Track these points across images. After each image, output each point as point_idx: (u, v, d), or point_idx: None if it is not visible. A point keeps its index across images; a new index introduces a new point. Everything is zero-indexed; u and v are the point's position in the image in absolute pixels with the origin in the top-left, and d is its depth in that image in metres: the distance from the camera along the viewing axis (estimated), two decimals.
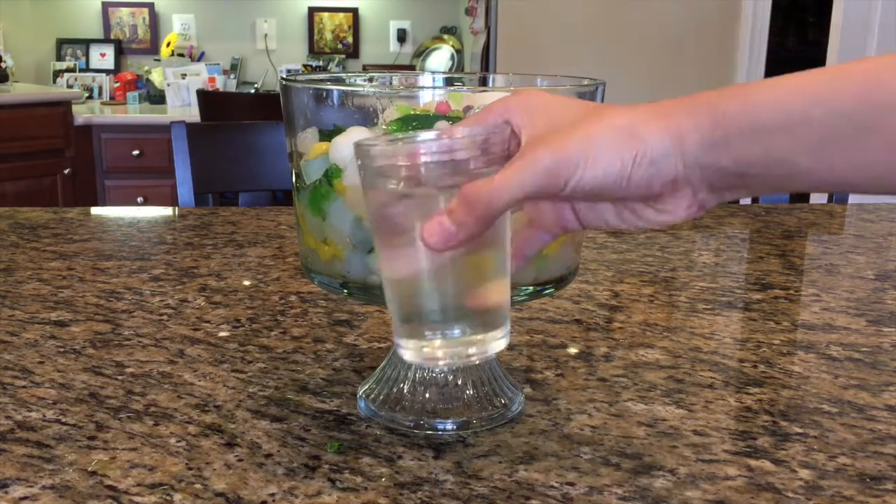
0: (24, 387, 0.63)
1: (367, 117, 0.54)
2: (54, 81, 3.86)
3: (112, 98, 3.85)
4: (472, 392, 0.59)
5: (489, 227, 0.40)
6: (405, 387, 0.60)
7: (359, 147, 0.43)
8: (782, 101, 0.38)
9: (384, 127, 0.53)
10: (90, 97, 3.83)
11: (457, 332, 0.45)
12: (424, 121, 0.52)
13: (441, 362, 0.46)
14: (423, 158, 0.41)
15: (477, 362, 0.49)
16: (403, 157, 0.42)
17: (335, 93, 0.56)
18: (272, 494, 0.49)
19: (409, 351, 0.46)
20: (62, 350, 0.70)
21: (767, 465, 0.53)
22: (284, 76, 0.58)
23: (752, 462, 0.54)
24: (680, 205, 0.41)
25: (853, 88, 0.37)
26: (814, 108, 0.37)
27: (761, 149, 0.38)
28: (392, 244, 0.45)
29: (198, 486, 0.50)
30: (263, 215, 1.21)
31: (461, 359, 0.46)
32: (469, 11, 3.72)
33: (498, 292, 0.46)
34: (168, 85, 3.69)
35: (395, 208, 0.43)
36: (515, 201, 0.40)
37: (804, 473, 0.53)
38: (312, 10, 4.01)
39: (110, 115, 3.43)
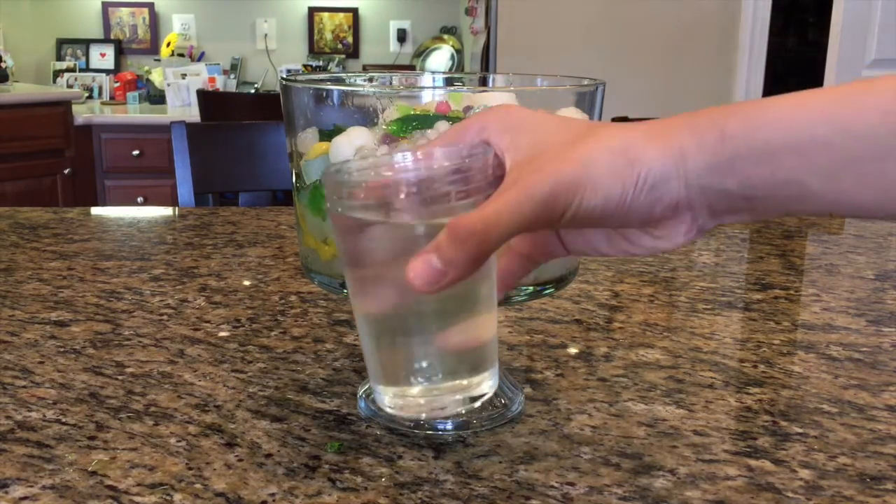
0: (24, 387, 0.63)
1: (367, 117, 0.54)
2: (54, 81, 3.86)
3: (112, 98, 3.85)
4: None
5: (482, 264, 0.36)
6: None
7: (326, 173, 0.39)
8: (793, 121, 0.36)
9: (384, 127, 0.53)
10: (90, 97, 3.83)
11: (440, 375, 0.41)
12: (424, 121, 0.52)
13: (423, 415, 0.41)
14: (397, 187, 0.37)
15: (462, 412, 0.44)
16: (373, 184, 0.38)
17: (335, 93, 0.56)
18: (272, 494, 0.49)
19: (386, 398, 0.42)
20: (62, 350, 0.70)
21: (767, 465, 0.53)
22: (284, 76, 0.58)
23: (752, 462, 0.54)
24: (678, 230, 0.39)
25: (871, 111, 0.34)
26: (827, 130, 0.35)
27: (769, 171, 0.36)
28: (363, 278, 0.40)
29: (198, 486, 0.50)
30: (263, 215, 1.21)
31: (444, 410, 0.41)
32: (469, 11, 3.72)
33: (485, 329, 0.42)
34: (168, 85, 3.69)
35: (366, 239, 0.39)
36: (511, 235, 0.36)
37: (804, 473, 0.53)
38: (312, 10, 4.01)
39: (110, 115, 3.43)
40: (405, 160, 0.38)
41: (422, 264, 0.35)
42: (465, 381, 0.41)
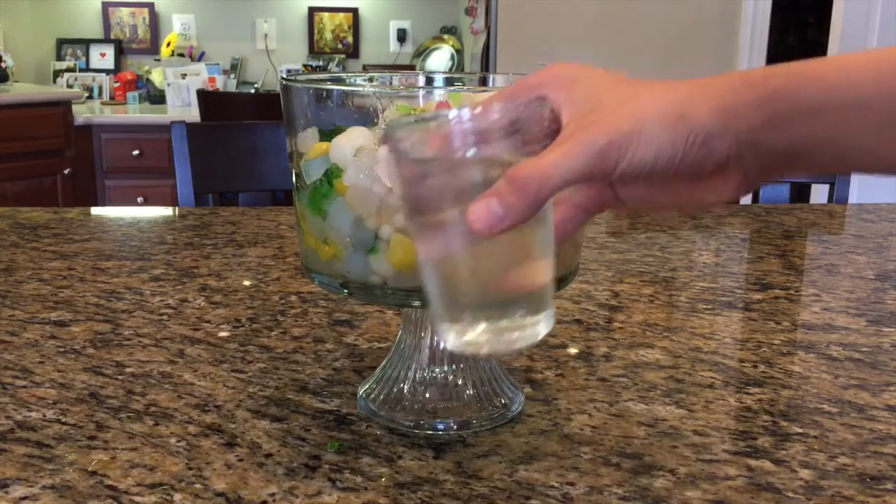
0: (24, 387, 0.63)
1: (368, 117, 0.54)
2: (54, 81, 3.86)
3: (112, 98, 3.85)
4: (472, 392, 0.59)
5: (538, 210, 0.38)
6: (405, 387, 0.60)
7: (390, 126, 0.42)
8: (836, 81, 0.37)
9: (384, 127, 0.53)
10: (90, 97, 3.83)
11: (500, 316, 0.43)
12: (422, 121, 0.52)
13: (483, 350, 0.43)
14: (460, 137, 0.39)
15: (523, 348, 0.47)
16: (438, 133, 0.40)
17: (335, 93, 0.56)
18: (272, 494, 0.49)
19: (450, 338, 0.43)
20: (62, 350, 0.70)
21: (767, 465, 0.53)
22: (284, 76, 0.58)
23: (752, 462, 0.54)
24: (728, 185, 0.40)
25: None
26: (868, 91, 0.36)
27: (812, 129, 0.37)
28: (425, 224, 0.42)
29: (198, 485, 0.50)
30: (263, 215, 1.22)
31: (505, 345, 0.43)
32: (469, 11, 3.72)
33: (543, 273, 0.43)
34: (168, 85, 3.69)
35: (427, 187, 0.41)
36: (567, 184, 0.38)
37: (804, 473, 0.53)
38: (312, 10, 4.01)
39: (110, 115, 3.43)
40: (466, 113, 0.40)
41: (482, 208, 0.37)
42: (523, 321, 0.43)
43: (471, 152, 0.39)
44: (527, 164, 0.38)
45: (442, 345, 0.51)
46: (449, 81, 0.82)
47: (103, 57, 3.94)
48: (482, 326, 0.43)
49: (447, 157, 0.40)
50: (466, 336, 0.43)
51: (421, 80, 0.83)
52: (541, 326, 0.43)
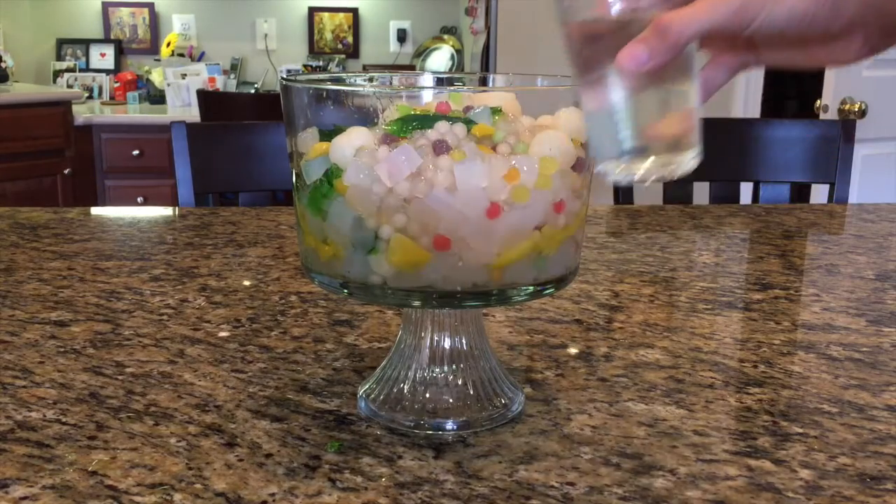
0: (24, 387, 0.63)
1: (368, 117, 0.54)
2: (54, 81, 3.86)
3: (112, 98, 3.85)
4: (472, 392, 0.59)
5: (676, 54, 0.43)
6: (405, 387, 0.60)
7: None
8: None
9: (384, 127, 0.53)
10: (90, 97, 3.83)
11: (655, 152, 0.48)
12: (424, 121, 0.52)
13: (649, 179, 0.49)
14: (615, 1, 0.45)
15: (676, 176, 0.52)
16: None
17: (336, 93, 0.56)
18: (272, 494, 0.49)
19: (618, 175, 0.49)
20: (62, 350, 0.70)
21: (768, 465, 0.53)
22: (284, 76, 0.58)
23: (753, 462, 0.54)
24: (851, 47, 0.44)
25: None
26: None
27: None
28: (592, 80, 0.48)
29: (198, 485, 0.50)
30: (264, 215, 1.22)
31: (668, 173, 0.48)
32: (469, 11, 3.72)
33: (689, 118, 0.48)
34: (168, 85, 3.69)
35: (591, 46, 0.47)
36: (703, 34, 0.42)
37: (804, 473, 0.53)
38: (312, 10, 4.01)
39: (110, 115, 3.43)
40: None
41: (630, 50, 0.43)
42: (677, 157, 0.48)
43: (626, 12, 0.46)
44: (670, 14, 0.43)
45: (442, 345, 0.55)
46: (449, 81, 0.82)
47: (103, 57, 3.94)
48: (648, 162, 0.48)
49: (607, 17, 0.46)
50: (634, 172, 0.49)
51: (421, 81, 0.84)
52: (693, 160, 0.49)
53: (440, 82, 0.78)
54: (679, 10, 0.43)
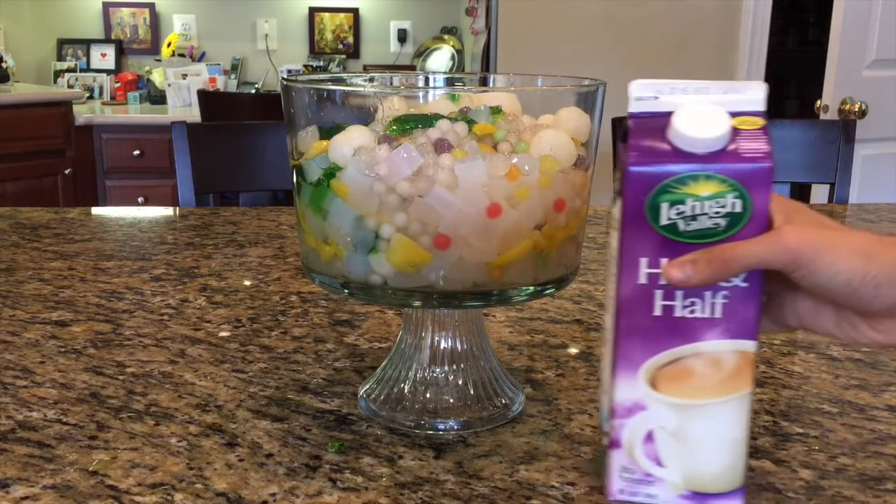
0: (25, 387, 0.63)
1: (368, 117, 0.54)
2: (55, 81, 3.86)
3: (113, 98, 3.85)
4: (472, 392, 0.59)
5: (722, 280, 0.43)
6: (406, 387, 0.60)
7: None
8: None
9: (385, 125, 0.53)
10: (91, 97, 3.83)
11: None
12: (424, 120, 0.52)
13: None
14: None
15: None
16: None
17: (336, 93, 0.56)
18: (273, 494, 0.49)
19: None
20: (63, 350, 0.70)
21: (768, 464, 0.53)
22: (285, 76, 0.58)
23: (753, 462, 0.54)
24: (895, 330, 0.44)
25: None
26: None
27: None
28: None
29: (199, 485, 0.50)
30: (264, 215, 1.22)
31: None
32: (469, 12, 3.72)
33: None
34: (169, 85, 3.69)
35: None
36: (750, 269, 0.43)
37: (805, 473, 0.53)
38: (313, 11, 4.01)
39: (111, 116, 3.43)
40: None
41: (677, 266, 0.43)
42: None
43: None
44: (729, 245, 0.43)
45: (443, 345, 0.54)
46: (449, 81, 0.82)
47: (104, 57, 3.94)
48: None
49: None
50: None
51: (422, 81, 0.84)
52: None
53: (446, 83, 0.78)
54: (733, 245, 0.43)
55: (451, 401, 0.59)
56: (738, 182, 0.42)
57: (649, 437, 0.46)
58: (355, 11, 4.04)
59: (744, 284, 0.44)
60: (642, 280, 0.44)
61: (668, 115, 0.44)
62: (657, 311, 0.44)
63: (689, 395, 0.45)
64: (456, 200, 0.50)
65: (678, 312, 0.44)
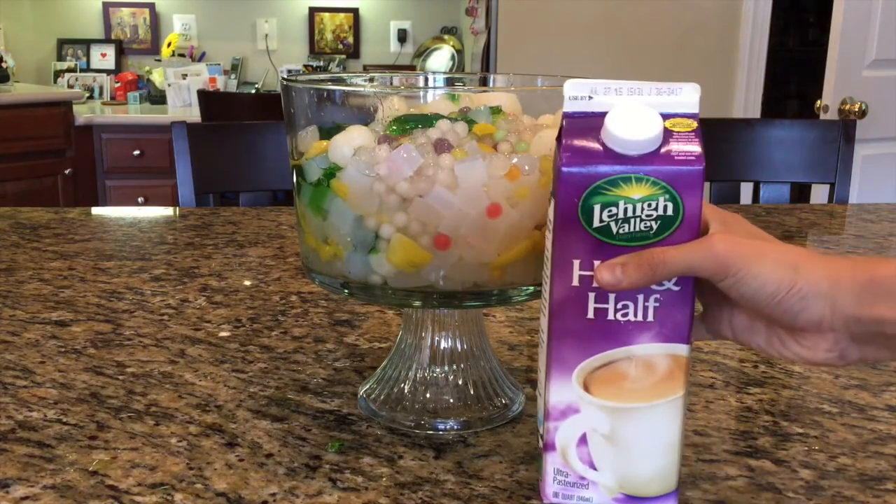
0: (25, 387, 0.63)
1: (368, 117, 0.54)
2: (55, 81, 3.86)
3: (113, 98, 3.85)
4: (472, 392, 0.59)
5: (652, 284, 0.43)
6: (406, 387, 0.60)
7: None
8: None
9: (385, 125, 0.53)
10: (91, 97, 3.83)
11: None
12: (424, 120, 0.52)
13: None
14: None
15: None
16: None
17: (336, 93, 0.56)
18: (273, 494, 0.49)
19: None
20: (63, 350, 0.70)
21: (768, 464, 0.53)
22: (285, 76, 0.58)
23: (753, 462, 0.54)
24: (820, 346, 0.43)
25: None
26: None
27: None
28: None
29: (199, 485, 0.50)
30: (264, 215, 1.22)
31: None
32: (469, 12, 3.72)
33: None
34: (169, 85, 3.69)
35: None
36: (680, 274, 0.43)
37: (805, 473, 0.53)
38: (313, 11, 4.01)
39: (111, 116, 3.43)
40: None
41: (608, 268, 0.43)
42: None
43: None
44: (659, 249, 0.43)
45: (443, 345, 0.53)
46: (449, 81, 0.82)
47: (104, 57, 3.94)
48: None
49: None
50: None
51: (422, 81, 0.84)
52: None
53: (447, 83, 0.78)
54: (662, 250, 0.43)
55: (451, 401, 0.59)
56: (669, 185, 0.42)
57: (583, 440, 0.45)
58: (355, 11, 4.04)
59: (676, 288, 0.44)
60: (575, 282, 0.43)
61: (602, 115, 0.43)
62: (590, 314, 0.44)
63: (622, 398, 0.44)
64: (456, 200, 0.50)
65: (611, 315, 0.44)
